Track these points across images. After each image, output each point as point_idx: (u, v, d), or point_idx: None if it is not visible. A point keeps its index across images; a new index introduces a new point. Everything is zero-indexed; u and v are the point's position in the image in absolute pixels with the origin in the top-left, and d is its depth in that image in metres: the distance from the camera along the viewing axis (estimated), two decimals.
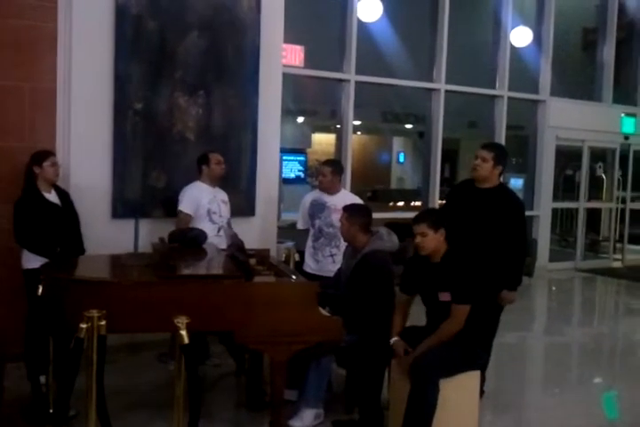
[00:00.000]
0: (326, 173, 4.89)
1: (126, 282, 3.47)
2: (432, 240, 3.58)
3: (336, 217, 4.60)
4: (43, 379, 3.87)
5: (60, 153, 4.69)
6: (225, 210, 4.88)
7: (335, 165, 5.05)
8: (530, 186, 9.52)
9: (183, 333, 3.12)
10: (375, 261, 3.88)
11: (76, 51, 4.84)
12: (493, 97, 8.92)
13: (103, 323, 3.09)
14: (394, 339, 3.63)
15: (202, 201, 4.72)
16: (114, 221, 4.98)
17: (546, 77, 9.26)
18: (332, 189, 4.93)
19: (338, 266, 4.45)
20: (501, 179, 4.29)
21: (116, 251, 4.32)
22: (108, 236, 4.79)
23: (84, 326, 3.07)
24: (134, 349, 4.92)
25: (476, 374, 3.62)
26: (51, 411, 3.72)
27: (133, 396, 4.17)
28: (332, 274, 4.50)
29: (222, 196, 4.92)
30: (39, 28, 4.74)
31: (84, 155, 4.89)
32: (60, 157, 4.54)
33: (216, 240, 4.54)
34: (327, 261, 4.87)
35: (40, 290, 3.62)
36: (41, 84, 4.76)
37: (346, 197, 4.85)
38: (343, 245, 4.55)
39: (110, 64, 4.99)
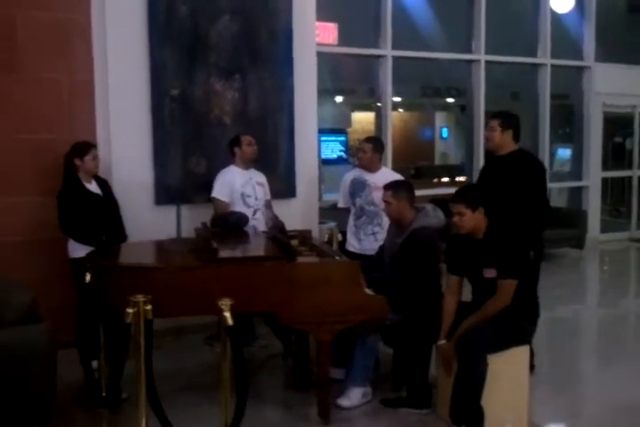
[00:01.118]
0: (367, 149, 4.86)
1: (170, 267, 3.53)
2: (470, 219, 3.51)
3: (377, 195, 4.57)
4: (95, 364, 3.98)
5: (100, 143, 4.75)
6: (261, 192, 4.86)
7: (376, 142, 5.02)
8: (578, 156, 9.27)
9: (227, 315, 3.16)
10: (423, 237, 3.83)
11: (110, 41, 4.87)
12: (535, 66, 8.68)
13: (149, 307, 3.15)
14: (441, 341, 3.53)
15: (235, 185, 4.72)
16: (157, 208, 5.04)
17: (590, 43, 8.95)
18: (372, 167, 4.90)
19: (380, 244, 4.42)
20: (519, 144, 4.29)
21: (159, 237, 4.36)
22: (151, 222, 4.84)
23: (130, 310, 3.13)
24: (182, 332, 5.00)
25: (525, 348, 3.57)
26: (103, 395, 3.82)
27: (182, 379, 4.25)
28: (374, 253, 4.48)
29: (258, 177, 4.90)
30: (72, 19, 4.77)
31: (125, 144, 4.95)
32: (100, 148, 4.61)
33: (252, 223, 4.54)
34: (369, 239, 4.85)
35: (87, 278, 3.71)
36: (78, 76, 4.81)
37: (386, 174, 4.80)
38: (385, 223, 4.53)
39: (145, 52, 5.01)
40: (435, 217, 3.96)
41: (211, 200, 4.77)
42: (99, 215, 4.27)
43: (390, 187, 4.01)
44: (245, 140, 4.81)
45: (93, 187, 4.36)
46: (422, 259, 3.81)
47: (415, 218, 3.91)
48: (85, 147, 4.31)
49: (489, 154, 4.46)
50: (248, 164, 4.85)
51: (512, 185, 4.05)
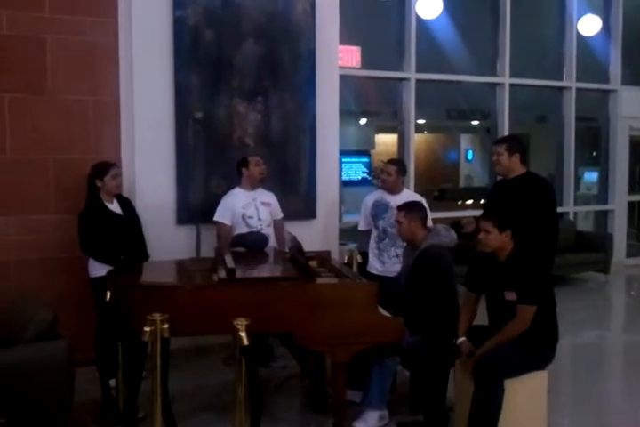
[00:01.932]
0: (391, 171, 4.87)
1: (187, 286, 3.55)
2: (495, 239, 3.50)
3: None
4: (113, 382, 4.00)
5: (124, 163, 4.85)
6: (266, 212, 4.84)
7: (400, 164, 5.05)
8: (604, 179, 9.19)
9: (243, 334, 3.17)
10: (433, 255, 3.83)
11: (136, 63, 4.99)
12: (561, 89, 8.66)
13: (166, 326, 3.18)
14: (461, 339, 3.57)
15: (236, 207, 4.74)
16: (178, 228, 5.11)
17: (616, 66, 8.91)
18: (395, 189, 4.91)
19: None
20: (526, 167, 4.31)
21: (180, 256, 4.43)
22: (172, 241, 4.91)
23: (147, 329, 3.16)
24: (201, 352, 5.02)
25: (544, 373, 3.52)
26: (120, 413, 3.84)
27: (199, 398, 4.25)
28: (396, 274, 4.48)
29: (264, 197, 4.90)
30: (100, 43, 4.91)
31: (148, 164, 5.04)
32: (124, 168, 4.70)
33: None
34: (392, 261, 4.83)
35: (108, 296, 3.75)
36: (104, 98, 4.93)
37: (409, 196, 4.81)
38: None
39: (170, 75, 5.12)
40: (446, 236, 3.95)
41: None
42: (118, 235, 4.32)
43: (402, 207, 4.05)
44: (253, 160, 4.84)
45: (115, 206, 4.43)
46: (434, 276, 3.79)
47: (426, 237, 3.91)
48: (105, 167, 4.38)
49: (499, 177, 4.50)
50: (255, 184, 4.86)
51: (522, 207, 4.02)
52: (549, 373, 3.55)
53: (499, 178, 4.57)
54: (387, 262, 4.87)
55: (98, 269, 4.26)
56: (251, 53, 5.38)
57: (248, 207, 4.78)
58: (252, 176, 4.83)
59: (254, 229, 4.70)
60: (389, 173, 4.88)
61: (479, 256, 3.69)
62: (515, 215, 3.89)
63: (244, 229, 4.67)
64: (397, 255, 4.82)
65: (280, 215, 5.00)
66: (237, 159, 4.92)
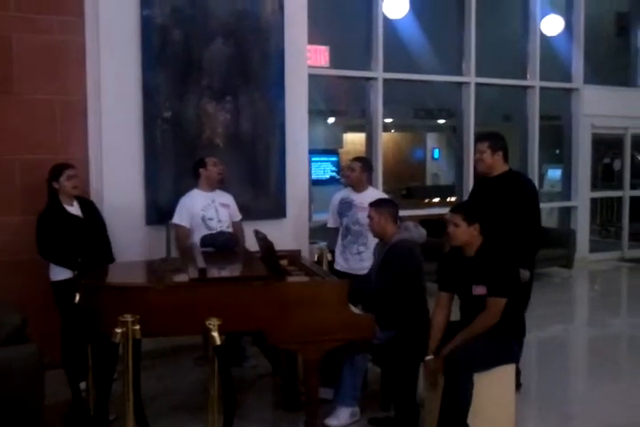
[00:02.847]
0: (355, 167, 4.91)
1: (159, 286, 3.54)
2: (464, 232, 3.56)
3: (362, 215, 4.64)
4: (83, 385, 3.98)
5: (92, 163, 4.81)
6: (225, 213, 4.78)
7: (364, 161, 5.09)
8: (567, 176, 9.37)
9: (215, 334, 3.18)
10: (402, 249, 3.89)
11: (104, 63, 4.94)
12: (525, 88, 8.80)
13: (137, 327, 3.17)
14: (428, 357, 3.55)
15: (194, 209, 4.67)
16: (147, 228, 5.08)
17: (578, 65, 9.09)
18: (359, 186, 4.95)
19: (365, 264, 4.50)
20: (508, 165, 4.33)
21: (150, 257, 4.42)
22: (142, 242, 4.89)
23: (118, 330, 3.15)
24: (173, 353, 5.00)
25: (512, 367, 3.59)
26: (91, 415, 3.81)
27: (171, 399, 4.24)
28: (360, 272, 4.57)
29: (223, 199, 4.84)
30: (67, 42, 4.86)
31: (116, 164, 4.99)
32: (92, 168, 4.66)
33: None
34: (355, 258, 4.88)
35: (77, 298, 3.72)
36: (71, 97, 4.88)
37: (373, 194, 4.85)
38: (371, 242, 4.59)
39: (138, 74, 5.08)
40: (415, 232, 4.02)
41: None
42: (76, 237, 4.27)
43: (373, 203, 4.10)
44: (211, 161, 4.77)
45: (74, 209, 4.38)
46: (403, 270, 3.84)
47: (396, 233, 3.97)
48: (59, 168, 4.33)
49: (480, 176, 4.49)
50: (214, 185, 4.80)
51: (505, 205, 4.09)
52: (523, 368, 3.61)
53: (477, 176, 4.55)
54: (349, 259, 4.91)
55: (57, 273, 4.25)
56: (219, 53, 5.37)
57: (208, 209, 4.71)
58: (211, 177, 4.76)
59: (214, 232, 4.64)
60: (353, 170, 4.92)
61: (448, 254, 3.75)
62: (494, 213, 3.97)
63: (203, 232, 4.59)
64: (359, 253, 4.87)
65: (239, 217, 4.95)
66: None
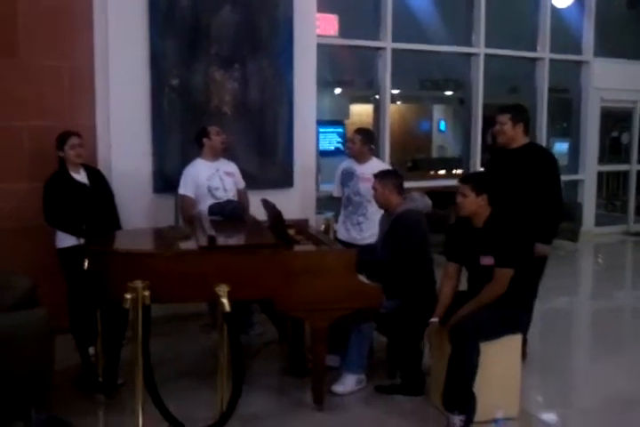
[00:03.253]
0: (356, 140, 4.90)
1: (167, 253, 3.55)
2: (472, 203, 3.55)
3: (363, 186, 4.66)
4: (92, 350, 4.02)
5: (99, 131, 4.79)
6: (230, 182, 4.76)
7: (365, 133, 5.05)
8: (575, 149, 9.32)
9: (224, 301, 3.20)
10: (408, 219, 3.90)
11: (111, 29, 4.89)
12: (534, 60, 8.70)
13: (147, 293, 3.19)
14: (433, 319, 3.57)
15: (199, 180, 4.63)
16: (155, 196, 5.08)
17: (589, 38, 8.97)
18: (361, 158, 4.94)
19: (365, 234, 4.62)
20: (529, 137, 4.31)
21: (158, 224, 4.42)
22: (150, 210, 4.89)
23: (128, 296, 3.17)
24: (178, 320, 5.04)
25: (518, 337, 3.61)
26: (100, 380, 3.86)
27: (178, 365, 4.29)
28: (361, 242, 4.63)
29: (227, 167, 4.81)
30: (75, 6, 4.80)
31: (124, 131, 4.97)
32: (99, 135, 4.64)
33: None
34: (355, 229, 4.91)
35: (86, 264, 3.73)
36: (79, 63, 4.84)
37: (375, 165, 4.84)
38: (370, 213, 4.63)
39: (146, 41, 5.03)
40: (421, 202, 4.02)
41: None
42: (82, 205, 4.27)
43: (378, 174, 4.09)
44: (214, 130, 4.73)
45: (81, 177, 4.37)
46: (410, 239, 3.85)
47: (401, 203, 3.97)
48: (64, 137, 4.31)
49: (497, 148, 4.43)
50: (217, 155, 4.76)
51: (526, 178, 4.07)
52: (529, 338, 3.63)
53: (490, 147, 4.50)
54: (350, 229, 4.94)
55: (63, 241, 4.26)
56: (228, 20, 5.31)
57: (212, 179, 4.68)
58: (214, 146, 4.72)
59: (222, 200, 4.64)
60: (354, 142, 4.92)
61: (456, 225, 3.75)
62: (513, 185, 3.95)
63: (209, 202, 4.58)
64: (359, 223, 4.89)
65: (242, 184, 4.93)
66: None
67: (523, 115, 4.27)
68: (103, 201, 4.45)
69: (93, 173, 4.49)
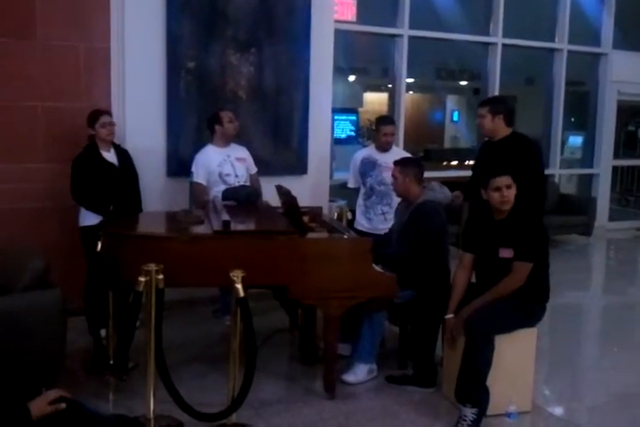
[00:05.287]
0: (394, 131, 4.97)
1: (182, 237, 3.53)
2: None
3: (387, 175, 4.59)
4: (103, 332, 4.01)
5: (115, 112, 4.73)
6: (242, 168, 4.71)
7: (394, 123, 5.10)
8: (589, 143, 9.23)
9: (239, 286, 3.16)
10: (428, 210, 3.86)
11: (128, 10, 4.84)
12: (552, 51, 8.60)
13: (161, 277, 3.16)
14: (449, 315, 3.54)
15: (210, 167, 4.59)
16: (169, 179, 5.05)
17: (608, 30, 8.85)
18: (384, 147, 4.92)
19: (389, 224, 4.46)
20: (512, 128, 4.30)
21: (172, 208, 4.39)
22: (164, 193, 4.86)
23: (142, 279, 3.14)
24: (190, 305, 5.02)
25: (533, 330, 3.57)
26: (111, 362, 3.85)
27: (190, 349, 4.28)
28: (383, 232, 4.51)
29: (238, 153, 4.76)
30: None
31: (139, 114, 4.93)
32: (115, 116, 4.59)
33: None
34: (379, 219, 4.87)
35: (99, 246, 3.71)
36: (95, 44, 4.79)
37: (397, 154, 4.80)
38: (395, 202, 4.56)
39: (162, 23, 4.97)
40: (440, 192, 3.99)
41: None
42: (110, 184, 4.26)
43: (398, 163, 4.05)
44: (226, 116, 4.67)
45: (110, 156, 4.35)
46: (428, 230, 3.81)
47: (421, 193, 3.92)
48: (95, 115, 4.29)
49: (487, 140, 4.46)
50: (228, 141, 4.71)
51: (510, 169, 4.03)
52: (539, 332, 3.61)
53: (485, 139, 4.53)
54: (373, 220, 4.92)
55: (88, 219, 4.22)
56: (245, 3, 5.24)
57: (224, 165, 4.64)
58: (226, 133, 4.67)
59: (236, 185, 4.60)
60: (393, 133, 4.99)
61: (474, 217, 3.71)
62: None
63: (221, 188, 4.54)
64: (384, 213, 4.86)
65: (254, 169, 4.88)
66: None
67: (502, 106, 4.29)
68: (130, 182, 4.43)
69: (122, 153, 4.45)
